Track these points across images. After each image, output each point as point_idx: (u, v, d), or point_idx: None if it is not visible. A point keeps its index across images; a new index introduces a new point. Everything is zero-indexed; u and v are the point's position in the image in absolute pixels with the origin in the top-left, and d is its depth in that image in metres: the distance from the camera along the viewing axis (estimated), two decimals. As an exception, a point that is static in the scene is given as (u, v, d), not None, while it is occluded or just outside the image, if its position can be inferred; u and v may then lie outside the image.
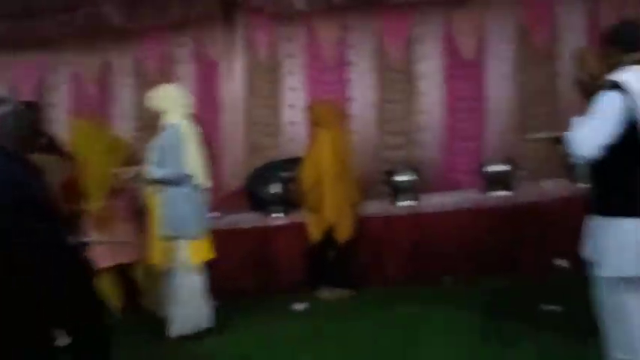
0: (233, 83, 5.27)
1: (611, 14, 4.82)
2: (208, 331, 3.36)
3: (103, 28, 4.93)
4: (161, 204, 3.32)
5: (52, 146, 3.61)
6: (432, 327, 3.13)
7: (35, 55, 5.21)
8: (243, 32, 5.22)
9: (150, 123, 5.16)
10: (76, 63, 5.20)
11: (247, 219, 4.33)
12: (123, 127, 4.99)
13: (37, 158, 3.28)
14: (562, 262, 3.88)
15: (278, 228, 4.21)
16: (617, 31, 2.10)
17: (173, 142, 3.27)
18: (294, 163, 4.36)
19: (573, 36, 4.90)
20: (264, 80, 5.27)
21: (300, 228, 4.00)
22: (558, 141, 2.17)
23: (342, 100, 5.09)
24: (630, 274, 1.96)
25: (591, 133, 1.92)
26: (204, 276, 3.39)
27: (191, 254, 3.34)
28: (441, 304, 3.47)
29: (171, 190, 3.29)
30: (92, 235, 3.45)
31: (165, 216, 3.30)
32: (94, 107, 5.07)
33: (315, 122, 4.05)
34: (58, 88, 5.19)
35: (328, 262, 3.88)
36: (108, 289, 3.75)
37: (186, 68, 5.24)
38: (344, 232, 3.85)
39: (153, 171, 3.28)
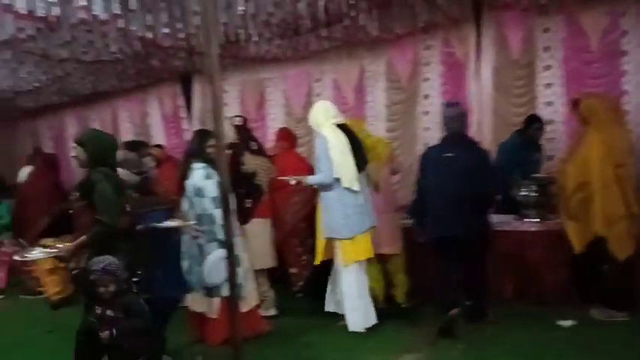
0: (481, 82, 5.16)
1: None
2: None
3: (359, 38, 5.38)
4: (321, 207, 3.70)
5: (261, 150, 4.19)
6: None
7: (303, 68, 6.00)
8: (492, 30, 5.06)
9: (401, 124, 5.52)
10: (336, 71, 5.80)
11: (499, 220, 4.16)
12: (376, 128, 5.36)
13: (251, 159, 3.88)
14: None
15: (534, 233, 3.94)
16: None
17: (322, 151, 3.57)
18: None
19: None
20: (516, 77, 5.01)
21: (559, 236, 3.66)
22: None
23: (612, 94, 4.49)
24: None
25: None
26: (363, 274, 3.64)
27: (343, 254, 3.58)
28: None
29: (325, 194, 3.63)
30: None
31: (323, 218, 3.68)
32: (352, 110, 5.57)
33: (585, 119, 3.64)
34: (322, 94, 5.86)
35: (600, 278, 3.45)
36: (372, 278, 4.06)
37: (434, 70, 5.33)
38: (622, 249, 3.37)
39: (309, 178, 3.69)
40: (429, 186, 3.55)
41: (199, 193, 3.43)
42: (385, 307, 4.02)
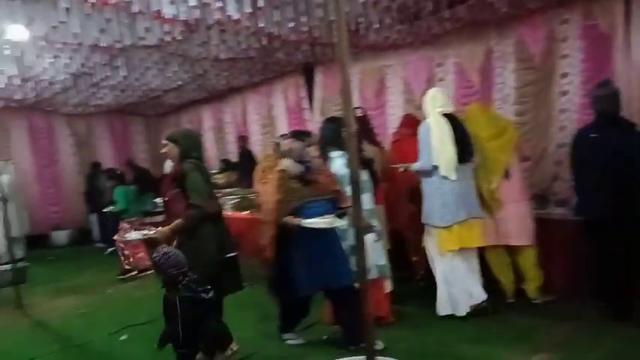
0: (631, 58, 4.55)
1: None
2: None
3: (485, 17, 5.07)
4: (423, 193, 3.80)
5: (375, 140, 4.31)
6: None
7: (424, 53, 5.83)
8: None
9: (532, 107, 5.11)
10: (459, 54, 5.54)
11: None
12: (504, 112, 5.04)
13: (368, 148, 3.87)
14: None
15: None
16: None
17: (424, 138, 3.65)
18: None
19: None
20: (675, 50, 4.35)
21: None
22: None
23: None
24: None
25: None
26: (462, 261, 3.65)
27: (439, 242, 3.65)
28: None
29: (425, 181, 3.73)
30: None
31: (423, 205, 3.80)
32: (477, 94, 5.30)
33: None
34: (445, 79, 5.66)
35: None
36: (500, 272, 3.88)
37: (573, 45, 4.83)
38: None
39: (413, 164, 3.76)
40: (579, 168, 3.50)
41: (341, 181, 3.52)
42: (515, 302, 3.83)
